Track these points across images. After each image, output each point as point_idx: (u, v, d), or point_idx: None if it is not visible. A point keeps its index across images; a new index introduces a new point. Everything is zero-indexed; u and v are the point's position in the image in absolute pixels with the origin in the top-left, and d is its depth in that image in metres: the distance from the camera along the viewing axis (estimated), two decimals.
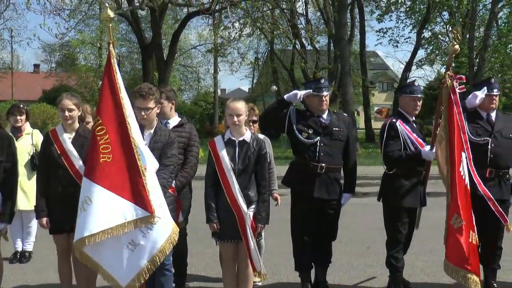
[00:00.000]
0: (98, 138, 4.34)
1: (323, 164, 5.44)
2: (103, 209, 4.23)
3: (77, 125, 4.98)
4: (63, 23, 23.30)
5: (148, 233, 4.27)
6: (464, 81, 5.31)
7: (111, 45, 4.55)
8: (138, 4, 22.90)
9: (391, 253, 5.55)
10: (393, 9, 30.64)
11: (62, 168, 4.83)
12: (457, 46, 5.07)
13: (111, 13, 4.55)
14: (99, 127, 4.37)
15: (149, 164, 4.43)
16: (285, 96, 5.63)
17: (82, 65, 41.57)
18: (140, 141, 4.43)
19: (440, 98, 5.21)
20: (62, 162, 4.82)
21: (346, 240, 7.81)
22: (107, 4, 4.57)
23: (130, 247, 4.28)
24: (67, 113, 4.87)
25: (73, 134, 4.94)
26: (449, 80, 4.91)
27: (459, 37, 5.11)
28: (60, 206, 4.82)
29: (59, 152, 4.84)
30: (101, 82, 4.98)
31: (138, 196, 4.26)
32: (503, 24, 32.08)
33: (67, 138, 4.90)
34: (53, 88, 39.84)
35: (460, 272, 4.61)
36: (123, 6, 24.16)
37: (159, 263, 4.36)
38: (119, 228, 4.22)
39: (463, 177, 4.86)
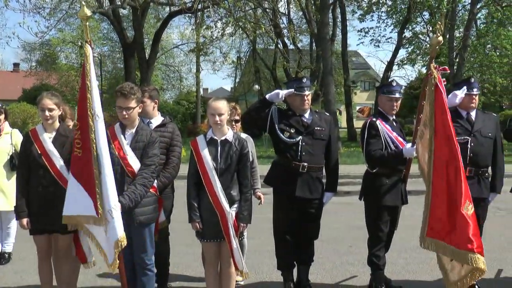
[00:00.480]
0: (74, 132, 4.64)
1: (305, 163, 5.45)
2: (73, 198, 4.54)
3: (57, 124, 4.94)
4: (43, 21, 23.17)
5: (109, 222, 4.46)
6: (448, 71, 5.33)
7: (88, 44, 4.54)
8: (119, 2, 22.77)
9: (373, 251, 5.59)
10: (374, 9, 30.83)
11: (43, 168, 4.79)
12: (440, 38, 5.09)
13: (87, 12, 4.53)
14: (76, 122, 4.65)
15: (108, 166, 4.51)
16: (267, 96, 5.64)
17: (63, 64, 41.20)
18: (103, 145, 4.48)
19: (422, 93, 5.23)
20: (43, 162, 4.78)
21: (328, 239, 7.84)
22: (83, 2, 4.54)
23: (105, 232, 4.50)
24: (47, 113, 4.82)
25: (54, 133, 4.90)
26: (435, 71, 4.92)
27: (442, 29, 5.14)
28: (40, 206, 4.78)
29: (39, 152, 4.80)
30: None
31: (93, 196, 4.46)
32: (481, 25, 32.47)
33: (47, 138, 4.86)
34: (34, 87, 39.47)
35: (470, 254, 4.57)
36: (104, 4, 24.01)
37: (119, 250, 4.47)
38: (85, 218, 4.54)
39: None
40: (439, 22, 5.20)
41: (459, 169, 4.66)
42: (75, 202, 4.51)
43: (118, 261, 4.52)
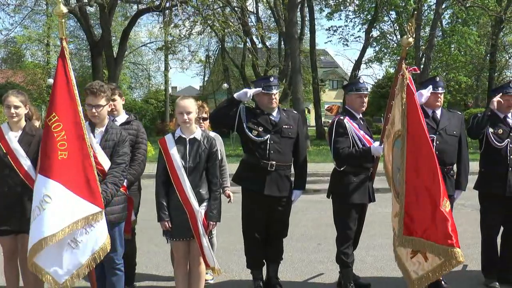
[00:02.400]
0: (55, 135, 4.30)
1: (274, 162, 5.47)
2: (63, 207, 4.22)
3: (23, 123, 4.84)
4: (8, 18, 22.78)
5: (91, 230, 4.29)
6: (418, 72, 5.40)
7: (64, 41, 4.47)
8: (86, 0, 22.47)
9: (341, 249, 5.63)
10: (341, 7, 31.08)
11: (9, 167, 4.70)
12: (410, 39, 5.16)
13: (64, 8, 4.47)
14: (55, 124, 4.33)
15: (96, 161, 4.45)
16: (235, 95, 5.64)
17: (30, 62, 40.50)
18: (90, 139, 4.42)
19: (391, 93, 5.29)
20: (8, 161, 4.69)
21: (297, 237, 7.89)
22: None
23: (72, 245, 4.28)
24: (13, 110, 4.73)
25: (20, 132, 4.81)
26: (406, 72, 4.97)
27: (413, 30, 5.20)
28: (5, 206, 4.69)
29: (4, 151, 4.71)
30: (51, 79, 4.91)
31: (91, 192, 4.28)
32: (447, 25, 33.04)
33: (13, 137, 4.76)
34: None
35: (450, 249, 4.67)
36: (71, 2, 23.68)
37: (99, 260, 4.36)
38: (74, 225, 4.24)
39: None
40: (409, 23, 5.26)
41: (436, 168, 4.72)
42: (66, 211, 4.21)
43: (86, 271, 4.35)
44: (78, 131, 4.33)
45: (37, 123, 5.29)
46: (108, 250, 4.39)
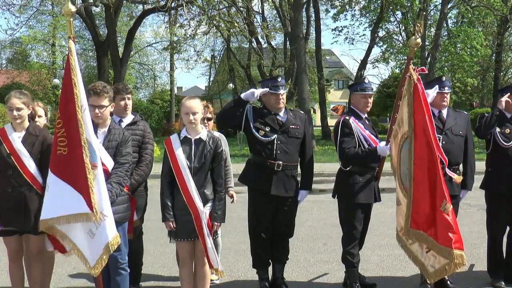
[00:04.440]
0: (57, 131, 4.43)
1: (280, 162, 5.47)
2: (57, 198, 4.39)
3: (27, 123, 4.84)
4: (13, 18, 22.89)
5: (99, 225, 4.38)
6: (426, 72, 5.39)
7: (71, 41, 4.47)
8: (92, 0, 22.52)
9: (347, 249, 5.62)
10: (347, 8, 31.05)
11: (12, 168, 4.69)
12: (419, 40, 5.16)
13: (72, 7, 4.47)
14: (58, 120, 4.46)
15: (101, 161, 4.47)
16: (242, 95, 5.64)
17: (35, 62, 40.61)
18: (93, 138, 4.43)
19: (399, 93, 5.29)
20: (12, 162, 4.69)
21: (303, 237, 7.89)
22: None
23: (90, 235, 4.42)
24: (15, 112, 4.73)
25: (23, 133, 4.80)
26: (413, 72, 4.98)
27: (421, 31, 5.19)
28: (10, 207, 4.69)
29: (8, 151, 4.71)
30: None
31: (85, 192, 4.33)
32: (452, 25, 32.96)
33: (16, 137, 4.76)
34: (4, 85, 38.80)
35: (451, 250, 4.73)
36: (77, 2, 23.72)
37: (110, 253, 4.43)
38: (71, 218, 4.39)
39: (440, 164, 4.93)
40: (417, 24, 5.25)
41: (438, 170, 4.77)
42: (59, 202, 4.39)
43: (103, 265, 4.45)
44: (74, 131, 4.37)
45: (44, 119, 5.29)
46: (115, 248, 4.42)
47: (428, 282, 5.35)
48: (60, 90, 4.63)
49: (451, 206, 4.79)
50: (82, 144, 4.33)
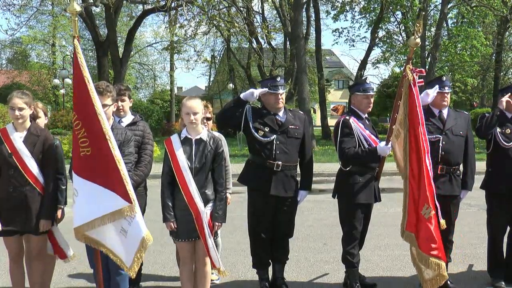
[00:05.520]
0: (76, 132, 4.36)
1: (280, 162, 5.47)
2: (89, 200, 4.30)
3: (28, 123, 4.85)
4: (13, 18, 22.90)
5: (132, 221, 4.33)
6: (424, 74, 5.41)
7: (76, 40, 4.47)
8: (92, 1, 22.52)
9: (347, 249, 5.62)
10: (347, 8, 31.05)
11: (14, 167, 4.71)
12: (418, 40, 5.16)
13: (77, 7, 4.47)
14: (76, 122, 4.38)
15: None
16: (241, 95, 5.64)
17: (35, 62, 40.62)
18: (111, 133, 4.38)
19: (398, 93, 5.29)
20: (13, 161, 4.70)
21: (303, 237, 7.89)
22: None
23: (123, 233, 4.37)
24: (17, 112, 4.74)
25: (25, 133, 4.81)
26: (410, 73, 4.99)
27: (420, 31, 5.20)
28: (11, 207, 4.70)
29: (9, 151, 4.72)
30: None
31: (119, 187, 4.28)
32: (452, 25, 32.96)
33: (17, 137, 4.77)
34: (4, 85, 38.83)
35: (432, 259, 4.74)
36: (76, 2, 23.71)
37: (146, 248, 4.38)
38: (109, 217, 4.31)
39: (429, 168, 4.95)
40: (417, 24, 5.25)
41: (423, 173, 4.80)
42: (92, 205, 4.30)
43: (139, 262, 4.42)
44: (97, 128, 4.30)
45: (43, 119, 5.29)
46: (151, 241, 4.36)
47: None
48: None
49: (433, 212, 4.81)
50: (107, 138, 4.28)
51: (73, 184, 4.38)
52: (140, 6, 27.10)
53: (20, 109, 4.74)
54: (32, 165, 4.71)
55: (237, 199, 5.99)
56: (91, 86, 4.35)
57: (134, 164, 5.02)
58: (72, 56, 4.59)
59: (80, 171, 4.35)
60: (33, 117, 4.99)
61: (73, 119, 4.44)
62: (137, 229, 4.34)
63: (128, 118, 5.40)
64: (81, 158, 4.34)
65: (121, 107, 5.27)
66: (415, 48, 5.31)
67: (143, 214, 5.47)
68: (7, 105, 4.86)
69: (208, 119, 5.79)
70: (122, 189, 4.27)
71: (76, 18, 4.55)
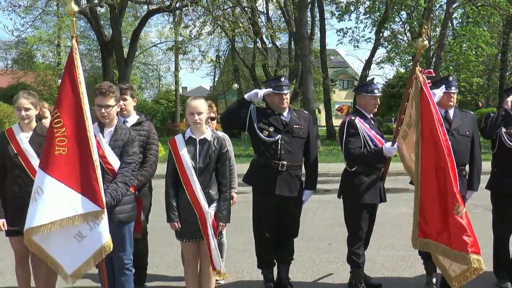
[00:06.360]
0: (55, 130, 4.34)
1: (284, 162, 5.46)
2: (54, 200, 4.25)
3: (34, 124, 4.87)
4: (19, 19, 22.97)
5: (94, 227, 4.29)
6: (433, 75, 5.39)
7: (74, 40, 4.48)
8: (97, 1, 22.55)
9: (352, 249, 5.61)
10: (352, 9, 30.99)
11: (19, 168, 4.73)
12: (426, 42, 5.14)
13: (75, 7, 4.49)
14: (56, 120, 4.36)
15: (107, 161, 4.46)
16: (245, 96, 5.64)
17: (40, 62, 40.70)
18: (93, 137, 4.39)
19: (405, 94, 5.27)
20: (19, 161, 4.72)
21: (308, 237, 7.88)
22: None
23: (78, 238, 4.30)
24: (23, 112, 4.77)
25: (31, 133, 4.84)
26: (420, 75, 4.97)
27: (428, 33, 5.18)
28: (16, 207, 4.71)
29: (15, 151, 4.74)
30: (60, 78, 4.91)
31: (90, 190, 4.25)
32: (457, 24, 32.86)
33: (23, 138, 4.79)
34: (10, 86, 38.92)
35: (471, 256, 4.66)
36: (81, 3, 23.77)
37: (103, 257, 4.36)
38: (68, 221, 4.25)
39: (454, 166, 4.88)
40: (424, 26, 5.23)
41: (448, 173, 4.73)
42: (54, 206, 4.25)
43: (87, 269, 4.39)
44: (80, 130, 4.31)
45: (48, 114, 5.31)
46: (110, 249, 4.35)
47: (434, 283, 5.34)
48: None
49: (465, 209, 4.75)
50: (89, 141, 4.29)
51: (37, 182, 4.30)
52: (145, 6, 27.13)
53: (26, 109, 4.77)
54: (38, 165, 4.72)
55: (242, 199, 5.98)
56: (82, 89, 4.36)
57: (138, 164, 5.02)
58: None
59: (50, 170, 4.29)
60: (39, 117, 5.01)
61: (52, 116, 4.41)
62: (97, 236, 4.29)
63: (133, 118, 5.40)
64: (55, 156, 4.30)
65: (123, 106, 5.27)
66: (422, 50, 5.29)
67: (148, 214, 5.50)
68: (13, 106, 4.87)
69: (212, 119, 5.79)
70: (94, 194, 4.24)
71: (74, 19, 4.57)
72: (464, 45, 30.28)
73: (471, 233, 4.69)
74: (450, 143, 5.47)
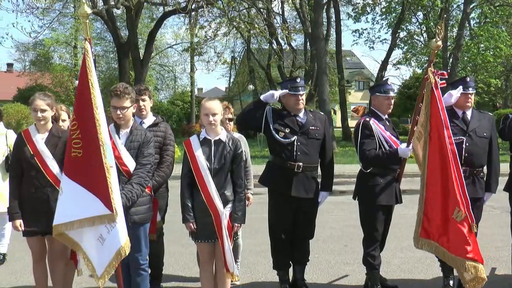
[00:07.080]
0: (71, 132, 4.46)
1: (300, 163, 5.45)
2: (71, 201, 4.38)
3: (50, 125, 4.91)
4: (37, 21, 23.20)
5: (111, 230, 4.35)
6: (446, 77, 5.35)
7: (87, 42, 4.51)
8: (113, 2, 22.71)
9: (368, 251, 5.58)
10: (368, 10, 30.87)
11: (35, 169, 4.76)
12: (440, 42, 5.10)
13: (88, 10, 4.52)
14: (73, 122, 4.50)
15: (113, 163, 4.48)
16: (261, 97, 5.63)
17: (57, 64, 41.05)
18: (107, 139, 4.42)
19: (420, 95, 5.24)
20: (35, 162, 4.75)
21: (323, 238, 7.86)
22: (83, 0, 4.52)
23: (100, 241, 4.40)
24: (39, 114, 4.80)
25: (47, 134, 4.87)
26: (432, 76, 4.94)
27: (443, 33, 5.14)
28: (33, 208, 4.75)
29: (32, 152, 4.77)
30: (77, 80, 4.98)
31: (103, 193, 4.31)
32: (475, 25, 32.56)
33: (40, 139, 4.83)
34: (27, 87, 39.29)
35: (468, 263, 4.65)
36: (98, 4, 23.95)
37: (121, 258, 4.40)
38: (85, 222, 4.37)
39: (460, 171, 4.87)
40: (438, 26, 5.19)
41: (451, 177, 4.72)
42: (74, 206, 4.36)
43: (110, 273, 4.44)
44: (92, 132, 4.37)
45: (67, 123, 5.35)
46: (128, 251, 4.39)
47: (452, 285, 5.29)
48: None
49: (465, 215, 4.72)
50: (100, 144, 4.33)
51: (61, 182, 4.49)
52: (161, 8, 27.28)
53: (42, 110, 4.80)
54: (54, 167, 4.76)
55: (258, 200, 5.98)
56: (94, 91, 4.40)
57: (154, 165, 5.04)
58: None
59: (68, 171, 4.43)
60: (55, 119, 5.05)
61: (71, 118, 4.55)
62: (115, 239, 4.34)
63: (149, 119, 5.42)
64: (71, 158, 4.43)
65: (142, 107, 5.31)
66: (436, 51, 5.25)
67: (164, 215, 5.52)
68: (29, 107, 4.91)
69: (229, 119, 5.80)
70: (106, 197, 4.30)
71: (88, 21, 4.59)
72: (481, 45, 30.01)
73: (472, 241, 4.68)
74: (467, 144, 5.44)
